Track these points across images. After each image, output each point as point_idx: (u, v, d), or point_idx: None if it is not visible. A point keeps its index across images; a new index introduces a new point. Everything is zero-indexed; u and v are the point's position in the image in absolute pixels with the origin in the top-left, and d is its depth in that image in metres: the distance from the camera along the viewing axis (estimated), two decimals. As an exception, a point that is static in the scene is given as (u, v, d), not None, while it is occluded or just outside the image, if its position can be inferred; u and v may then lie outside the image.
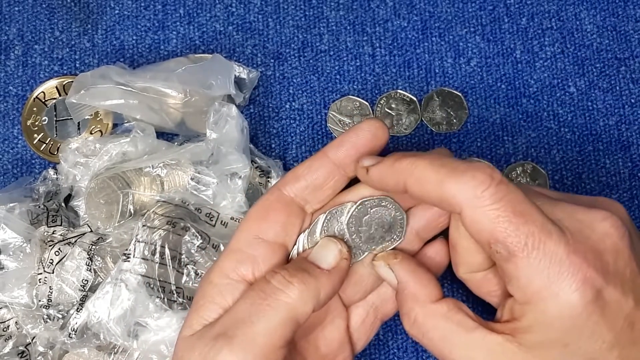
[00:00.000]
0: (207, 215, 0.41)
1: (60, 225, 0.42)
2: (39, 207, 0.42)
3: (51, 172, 0.45)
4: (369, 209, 0.35)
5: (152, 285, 0.39)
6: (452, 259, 0.36)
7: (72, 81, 0.45)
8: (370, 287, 0.37)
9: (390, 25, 0.48)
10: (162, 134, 0.46)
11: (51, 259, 0.40)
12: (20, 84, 0.48)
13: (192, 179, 0.42)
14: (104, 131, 0.46)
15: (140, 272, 0.38)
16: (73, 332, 0.39)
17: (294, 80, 0.47)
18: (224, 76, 0.43)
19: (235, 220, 0.42)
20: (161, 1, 0.49)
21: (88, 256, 0.40)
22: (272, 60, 0.48)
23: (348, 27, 0.48)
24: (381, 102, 0.47)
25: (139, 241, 0.39)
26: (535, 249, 0.29)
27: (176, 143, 0.44)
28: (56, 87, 0.47)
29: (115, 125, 0.46)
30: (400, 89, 0.47)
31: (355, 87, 0.47)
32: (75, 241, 0.41)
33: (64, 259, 0.40)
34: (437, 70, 0.47)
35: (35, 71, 0.48)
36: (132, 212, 0.42)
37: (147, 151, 0.43)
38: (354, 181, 0.36)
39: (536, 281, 0.29)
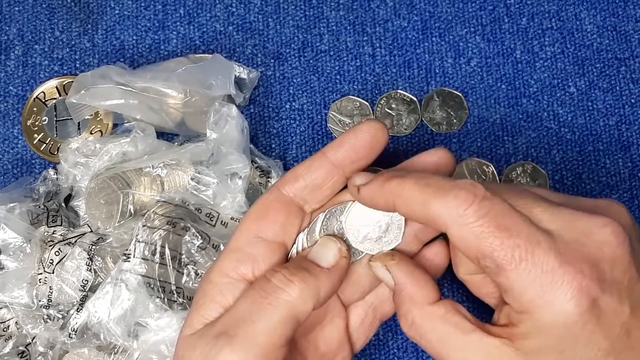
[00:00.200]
0: (207, 215, 0.41)
1: (61, 225, 0.42)
2: (39, 207, 0.42)
3: (51, 172, 0.45)
4: (367, 210, 0.35)
5: (152, 285, 0.39)
6: (452, 260, 0.36)
7: (72, 81, 0.45)
8: (368, 288, 0.37)
9: (390, 25, 0.48)
10: (162, 134, 0.46)
11: (51, 259, 0.40)
12: (21, 84, 0.48)
13: (192, 179, 0.42)
14: (104, 131, 0.46)
15: (140, 272, 0.38)
16: (73, 332, 0.39)
17: (294, 80, 0.47)
18: (224, 76, 0.43)
19: (235, 220, 0.42)
20: (161, 1, 0.49)
21: (88, 256, 0.40)
22: (272, 60, 0.48)
23: (348, 27, 0.48)
24: (381, 102, 0.47)
25: (139, 241, 0.39)
26: (524, 260, 0.29)
27: (176, 143, 0.44)
28: (56, 87, 0.47)
29: (115, 125, 0.46)
30: (401, 89, 0.47)
31: (355, 87, 0.47)
32: (76, 241, 0.41)
33: (64, 259, 0.40)
34: (437, 70, 0.47)
35: (35, 71, 0.48)
36: (132, 212, 0.42)
37: (147, 151, 0.43)
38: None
39: (529, 291, 0.29)
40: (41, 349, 0.40)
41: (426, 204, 0.31)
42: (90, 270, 0.40)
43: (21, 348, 0.41)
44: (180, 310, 0.39)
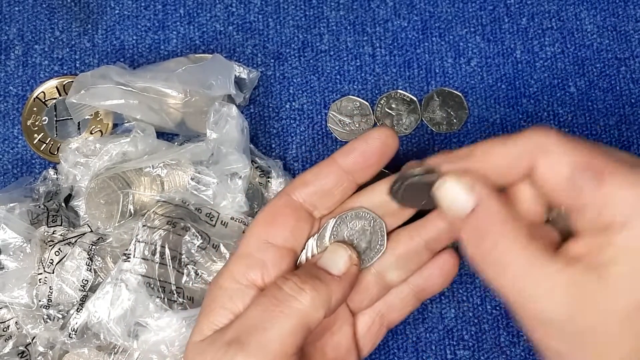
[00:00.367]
0: (207, 215, 0.41)
1: (61, 225, 0.42)
2: (39, 207, 0.42)
3: (51, 172, 0.45)
4: (348, 223, 0.35)
5: (152, 285, 0.39)
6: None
7: (72, 81, 0.45)
8: (376, 296, 0.37)
9: (390, 25, 0.48)
10: (162, 134, 0.46)
11: (51, 259, 0.40)
12: (21, 84, 0.48)
13: (192, 179, 0.42)
14: (104, 131, 0.46)
15: (140, 272, 0.38)
16: (73, 332, 0.39)
17: (294, 80, 0.47)
18: (224, 76, 0.43)
19: (235, 220, 0.42)
20: (161, 1, 0.49)
21: (88, 256, 0.40)
22: (272, 60, 0.48)
23: (348, 27, 0.48)
24: (381, 102, 0.47)
25: (139, 241, 0.39)
26: (622, 174, 0.27)
27: (176, 143, 0.44)
28: (56, 87, 0.47)
29: (115, 125, 0.46)
30: (401, 89, 0.47)
31: (355, 87, 0.47)
32: (76, 241, 0.41)
33: (64, 259, 0.40)
34: (437, 70, 0.47)
35: (36, 71, 0.48)
36: (132, 212, 0.42)
37: (147, 151, 0.43)
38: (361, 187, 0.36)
39: (627, 201, 0.27)
40: (41, 349, 0.40)
41: (512, 146, 0.29)
42: (90, 270, 0.40)
43: (21, 348, 0.41)
44: (181, 310, 0.39)
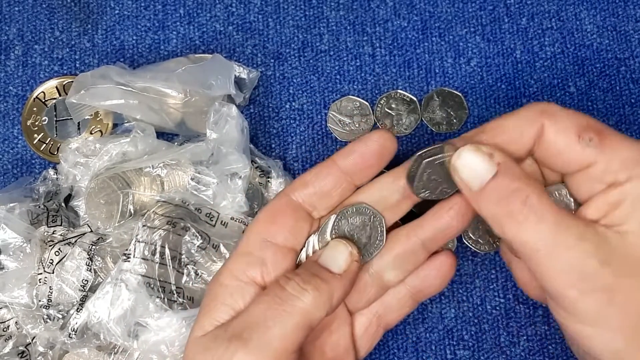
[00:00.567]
0: (207, 215, 0.41)
1: (60, 225, 0.42)
2: (39, 207, 0.42)
3: (51, 172, 0.45)
4: (349, 218, 0.36)
5: (152, 285, 0.39)
6: (520, 280, 0.36)
7: (72, 81, 0.45)
8: (374, 296, 0.37)
9: (390, 25, 0.48)
10: (162, 134, 0.46)
11: (51, 259, 0.40)
12: (20, 84, 0.48)
13: (192, 179, 0.42)
14: (104, 131, 0.46)
15: (140, 272, 0.38)
16: (73, 332, 0.39)
17: (294, 80, 0.47)
18: (224, 76, 0.43)
19: (235, 220, 0.42)
20: (161, 1, 0.49)
21: (88, 256, 0.40)
22: (272, 60, 0.48)
23: (348, 27, 0.48)
24: (381, 102, 0.47)
25: (139, 241, 0.39)
26: (620, 133, 0.30)
27: (176, 143, 0.44)
28: (56, 87, 0.47)
29: (115, 125, 0.46)
30: (400, 89, 0.47)
31: (355, 87, 0.47)
32: (75, 241, 0.41)
33: (64, 259, 0.40)
34: (437, 70, 0.47)
35: (35, 71, 0.48)
36: (132, 212, 0.42)
37: (147, 151, 0.43)
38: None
39: (630, 156, 0.30)
40: (41, 349, 0.40)
41: (512, 120, 0.32)
42: (90, 270, 0.40)
43: (21, 348, 0.41)
44: (181, 310, 0.39)
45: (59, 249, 0.40)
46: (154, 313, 0.38)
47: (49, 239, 0.41)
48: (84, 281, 0.40)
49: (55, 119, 0.46)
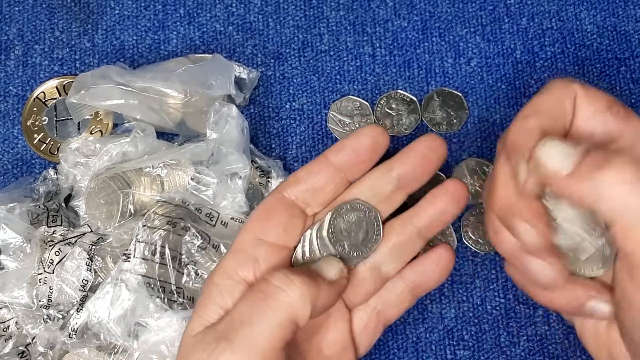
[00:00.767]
0: (207, 215, 0.41)
1: (61, 225, 0.42)
2: (39, 207, 0.42)
3: (51, 172, 0.45)
4: (344, 216, 0.36)
5: (152, 285, 0.39)
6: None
7: (72, 81, 0.45)
8: (372, 289, 0.37)
9: (390, 25, 0.48)
10: (162, 134, 0.46)
11: (51, 259, 0.40)
12: (21, 84, 0.48)
13: (192, 179, 0.42)
14: (104, 131, 0.46)
15: (140, 272, 0.38)
16: (73, 332, 0.39)
17: (294, 80, 0.47)
18: (224, 76, 0.43)
19: (235, 220, 0.42)
20: (161, 1, 0.49)
21: (88, 256, 0.40)
22: (272, 60, 0.48)
23: (348, 27, 0.48)
24: (381, 102, 0.47)
25: (139, 241, 0.39)
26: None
27: (176, 143, 0.44)
28: (56, 87, 0.47)
29: (115, 125, 0.46)
30: (401, 89, 0.47)
31: (355, 87, 0.47)
32: (76, 241, 0.41)
33: (64, 259, 0.40)
34: (437, 71, 0.47)
35: (36, 71, 0.48)
36: (132, 212, 0.42)
37: (147, 151, 0.43)
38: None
39: None
40: (41, 349, 0.40)
41: (551, 94, 0.32)
42: (90, 270, 0.40)
43: (21, 348, 0.41)
44: (181, 310, 0.39)
45: (59, 249, 0.40)
46: (154, 313, 0.38)
47: (49, 239, 0.41)
48: (84, 281, 0.40)
49: (55, 119, 0.46)
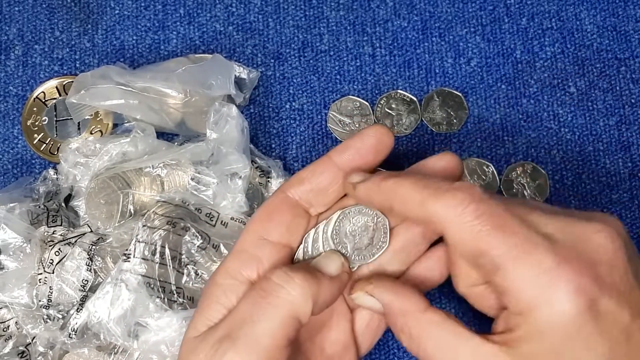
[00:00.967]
0: (207, 215, 0.41)
1: (61, 225, 0.42)
2: (39, 207, 0.42)
3: (51, 172, 0.45)
4: (351, 218, 0.35)
5: (152, 285, 0.39)
6: (451, 274, 0.36)
7: (72, 81, 0.45)
8: None
9: (390, 25, 0.48)
10: (162, 134, 0.46)
11: (51, 259, 0.40)
12: (20, 84, 0.48)
13: (192, 179, 0.42)
14: (104, 131, 0.46)
15: (140, 272, 0.38)
16: (73, 332, 0.39)
17: (294, 80, 0.47)
18: (224, 76, 0.43)
19: (235, 220, 0.42)
20: (161, 1, 0.49)
21: (88, 256, 0.40)
22: (272, 60, 0.48)
23: (348, 27, 0.48)
24: (381, 102, 0.47)
25: (139, 241, 0.39)
26: (521, 259, 0.29)
27: (176, 143, 0.44)
28: (56, 87, 0.47)
29: (115, 125, 0.46)
30: (401, 89, 0.47)
31: (355, 87, 0.47)
32: (76, 241, 0.41)
33: (64, 259, 0.40)
34: (437, 71, 0.47)
35: (35, 71, 0.48)
36: (132, 212, 0.42)
37: (147, 151, 0.43)
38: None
39: (527, 291, 0.29)
40: (41, 349, 0.40)
41: (424, 203, 0.31)
42: (90, 270, 0.40)
43: (21, 348, 0.41)
44: (181, 311, 0.39)
45: (59, 249, 0.40)
46: (154, 313, 0.38)
47: (49, 239, 0.41)
48: (84, 281, 0.40)
49: (55, 119, 0.46)
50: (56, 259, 0.40)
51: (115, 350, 0.40)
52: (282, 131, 0.47)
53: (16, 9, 0.49)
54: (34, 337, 0.41)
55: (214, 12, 0.49)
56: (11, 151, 0.47)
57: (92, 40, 0.48)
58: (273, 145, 0.47)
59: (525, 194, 0.45)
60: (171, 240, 0.39)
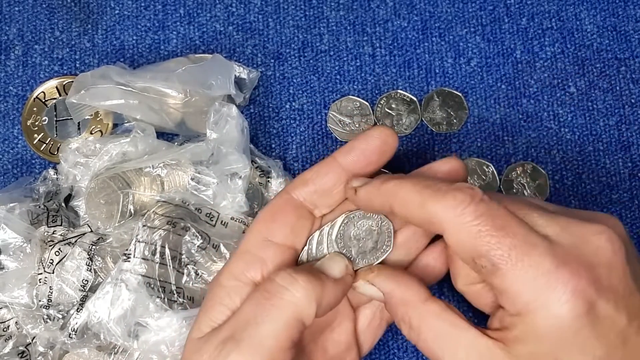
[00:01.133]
0: (207, 215, 0.41)
1: (61, 225, 0.42)
2: (39, 207, 0.42)
3: (51, 172, 0.45)
4: (356, 222, 0.35)
5: (152, 285, 0.39)
6: (450, 271, 0.36)
7: (72, 81, 0.44)
8: None
9: (390, 25, 0.48)
10: (162, 134, 0.46)
11: (51, 259, 0.40)
12: (20, 84, 0.48)
13: (192, 179, 0.42)
14: (104, 131, 0.46)
15: (140, 272, 0.38)
16: (73, 332, 0.39)
17: (294, 80, 0.47)
18: (224, 76, 0.43)
19: (235, 220, 0.42)
20: (161, 1, 0.49)
21: (88, 256, 0.40)
22: (272, 60, 0.48)
23: (348, 27, 0.48)
24: (381, 102, 0.47)
25: (139, 241, 0.39)
26: (520, 261, 0.29)
27: (176, 143, 0.44)
28: (56, 87, 0.47)
29: (115, 125, 0.46)
30: (401, 89, 0.47)
31: (355, 87, 0.47)
32: (76, 241, 0.41)
33: (64, 259, 0.40)
34: (437, 70, 0.47)
35: (35, 71, 0.48)
36: (132, 212, 0.42)
37: (147, 151, 0.43)
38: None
39: (524, 293, 0.29)
40: (41, 349, 0.40)
41: (423, 205, 0.31)
42: (90, 270, 0.40)
43: (21, 348, 0.41)
44: (181, 310, 0.39)
45: (59, 249, 0.40)
46: (154, 313, 0.38)
47: (49, 239, 0.41)
48: (84, 281, 0.40)
49: (55, 119, 0.46)
50: (56, 259, 0.40)
51: (115, 350, 0.40)
52: (282, 131, 0.47)
53: (16, 9, 0.49)
54: (34, 337, 0.41)
55: (214, 12, 0.49)
56: (11, 151, 0.47)
57: (92, 40, 0.48)
58: (273, 145, 0.47)
59: (525, 194, 0.45)
60: (171, 240, 0.39)
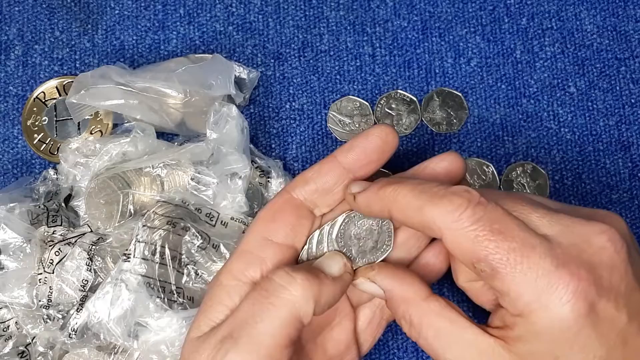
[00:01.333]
0: (207, 215, 0.41)
1: (61, 225, 0.42)
2: (39, 207, 0.42)
3: (51, 172, 0.45)
4: (356, 222, 0.35)
5: (152, 285, 0.39)
6: (452, 268, 0.36)
7: (72, 81, 0.44)
8: None
9: (390, 25, 0.48)
10: (162, 134, 0.46)
11: (51, 259, 0.40)
12: (20, 84, 0.48)
13: (192, 179, 0.42)
14: (104, 131, 0.46)
15: (140, 272, 0.38)
16: (73, 332, 0.39)
17: (294, 80, 0.47)
18: (224, 76, 0.43)
19: (235, 220, 0.42)
20: (161, 1, 0.49)
21: (88, 256, 0.40)
22: (272, 60, 0.48)
23: (348, 27, 0.48)
24: (381, 102, 0.47)
25: (139, 241, 0.39)
26: (519, 264, 0.29)
27: (176, 143, 0.44)
28: (56, 87, 0.47)
29: (115, 125, 0.46)
30: (400, 89, 0.47)
31: (355, 87, 0.47)
32: (75, 241, 0.41)
33: (64, 259, 0.40)
34: (437, 71, 0.47)
35: (35, 71, 0.48)
36: (132, 212, 0.42)
37: (147, 151, 0.43)
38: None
39: (525, 295, 0.29)
40: (41, 349, 0.40)
41: (421, 209, 0.31)
42: (90, 270, 0.40)
43: (21, 348, 0.41)
44: (181, 310, 0.39)
45: (59, 249, 0.40)
46: (154, 313, 0.38)
47: (49, 239, 0.41)
48: (84, 281, 0.40)
49: (55, 119, 0.46)
50: (56, 259, 0.40)
51: (115, 350, 0.40)
52: (282, 131, 0.47)
53: (16, 9, 0.49)
54: (34, 337, 0.41)
55: (214, 12, 0.49)
56: (11, 151, 0.47)
57: (92, 40, 0.48)
58: (273, 145, 0.47)
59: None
60: (171, 240, 0.39)
